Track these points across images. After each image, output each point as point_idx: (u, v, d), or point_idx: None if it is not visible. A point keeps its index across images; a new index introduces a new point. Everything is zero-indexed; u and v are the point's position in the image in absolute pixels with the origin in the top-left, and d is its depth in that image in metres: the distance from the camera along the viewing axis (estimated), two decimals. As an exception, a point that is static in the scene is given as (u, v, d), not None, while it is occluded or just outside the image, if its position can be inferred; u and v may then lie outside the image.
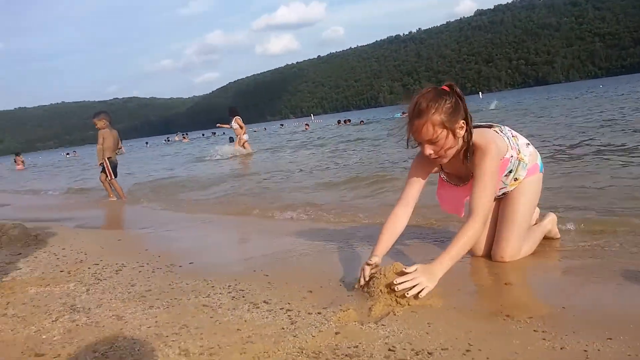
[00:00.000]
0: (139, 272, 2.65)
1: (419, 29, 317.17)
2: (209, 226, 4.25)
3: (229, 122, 13.61)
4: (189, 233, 3.95)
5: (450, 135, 2.01)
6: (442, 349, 1.50)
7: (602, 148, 6.00)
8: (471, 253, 2.41)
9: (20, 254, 3.19)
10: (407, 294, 1.85)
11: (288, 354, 1.53)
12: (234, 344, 1.63)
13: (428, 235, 2.98)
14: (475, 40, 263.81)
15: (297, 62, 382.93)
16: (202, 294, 2.19)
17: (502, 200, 2.38)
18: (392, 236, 2.19)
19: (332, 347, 1.55)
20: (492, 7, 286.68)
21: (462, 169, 2.20)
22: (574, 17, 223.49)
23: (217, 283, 2.33)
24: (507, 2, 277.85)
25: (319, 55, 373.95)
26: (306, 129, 29.21)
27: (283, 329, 1.72)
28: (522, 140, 2.35)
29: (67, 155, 37.59)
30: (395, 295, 1.86)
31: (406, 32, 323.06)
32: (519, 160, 2.26)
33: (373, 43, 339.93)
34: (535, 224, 2.54)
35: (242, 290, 2.19)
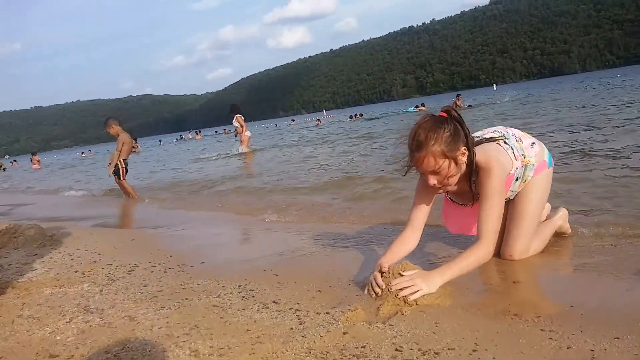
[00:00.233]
0: (151, 272, 2.69)
1: (433, 19, 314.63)
2: (220, 225, 4.29)
3: (230, 120, 13.17)
4: (200, 232, 4.00)
5: (453, 164, 2.00)
6: (448, 349, 1.50)
7: (621, 147, 5.88)
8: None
9: (36, 254, 3.26)
10: (399, 294, 1.88)
11: (296, 355, 1.55)
12: (243, 344, 1.65)
13: (446, 236, 2.97)
14: (489, 30, 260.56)
15: (309, 56, 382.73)
16: (212, 294, 2.22)
17: (511, 199, 2.37)
18: (401, 252, 2.19)
19: (340, 348, 1.57)
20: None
21: (467, 190, 2.18)
22: (592, 4, 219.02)
23: (227, 283, 2.36)
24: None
25: (331, 49, 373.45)
26: (317, 124, 29.22)
27: (292, 329, 1.74)
28: (527, 142, 2.31)
29: (82, 155, 38.11)
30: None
31: (420, 23, 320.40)
32: (525, 165, 2.24)
33: (386, 35, 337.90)
34: (545, 219, 2.52)
35: (252, 290, 2.22)
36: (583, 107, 12.31)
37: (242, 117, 12.97)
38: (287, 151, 12.17)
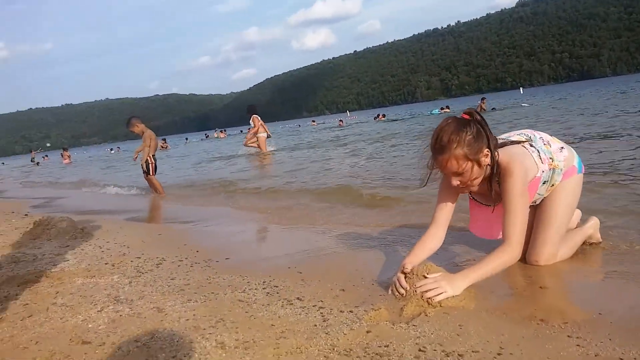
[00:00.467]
0: (178, 266, 2.75)
1: (458, 21, 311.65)
2: (244, 223, 4.35)
3: (248, 120, 13.14)
4: (225, 229, 4.06)
5: (475, 166, 2.01)
6: (473, 351, 1.50)
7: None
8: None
9: (68, 246, 3.36)
10: (424, 295, 1.89)
11: (320, 351, 1.57)
12: (268, 338, 1.68)
13: (470, 240, 2.96)
14: (516, 32, 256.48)
15: (333, 58, 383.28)
16: (237, 289, 2.26)
17: (538, 204, 2.34)
18: (425, 251, 2.19)
19: (363, 346, 1.58)
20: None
21: (491, 192, 2.16)
22: (623, 7, 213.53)
23: (252, 279, 2.40)
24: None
25: (355, 50, 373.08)
26: (340, 125, 29.21)
27: (315, 326, 1.77)
28: (556, 146, 2.28)
29: (111, 151, 38.94)
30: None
31: (444, 26, 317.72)
32: (554, 169, 2.21)
33: (410, 37, 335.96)
34: (576, 227, 2.48)
35: (276, 287, 2.25)
36: (608, 111, 12.01)
37: (259, 118, 12.95)
38: (307, 152, 12.15)
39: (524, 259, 2.29)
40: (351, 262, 2.66)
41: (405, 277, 2.01)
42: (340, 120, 32.84)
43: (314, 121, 45.85)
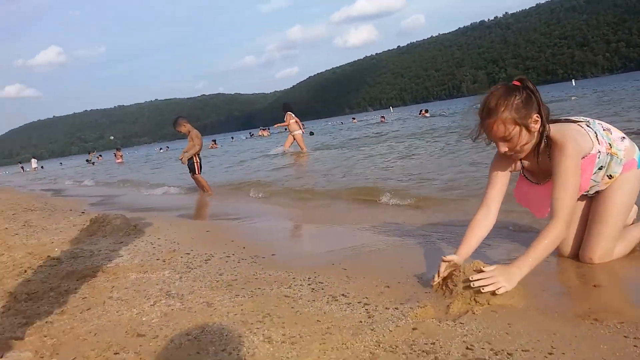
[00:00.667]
0: (226, 262, 2.82)
1: (506, 13, 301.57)
2: (289, 220, 4.40)
3: (283, 118, 13.41)
4: (270, 225, 4.13)
5: (524, 131, 1.96)
6: (522, 350, 1.47)
7: None
8: (557, 253, 2.30)
9: (122, 242, 3.51)
10: (483, 289, 1.82)
11: (366, 347, 1.58)
12: (314, 334, 1.70)
13: (510, 234, 2.88)
14: (568, 22, 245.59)
15: (376, 54, 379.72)
16: (283, 285, 2.29)
17: (594, 198, 2.25)
18: (475, 239, 2.15)
19: (409, 343, 1.58)
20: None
21: (541, 165, 2.10)
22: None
23: (297, 275, 2.43)
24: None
25: (398, 46, 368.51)
26: (382, 121, 28.96)
27: (361, 322, 1.77)
28: (616, 134, 2.18)
29: (160, 150, 40.26)
30: (473, 292, 1.85)
31: (491, 17, 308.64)
32: (612, 156, 2.11)
33: (455, 30, 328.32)
34: (632, 223, 2.37)
35: (321, 283, 2.27)
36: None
37: (293, 115, 13.25)
38: (345, 151, 12.05)
39: (577, 256, 2.21)
40: (395, 259, 2.65)
41: (447, 266, 2.00)
42: (382, 117, 32.56)
43: (354, 118, 45.54)
